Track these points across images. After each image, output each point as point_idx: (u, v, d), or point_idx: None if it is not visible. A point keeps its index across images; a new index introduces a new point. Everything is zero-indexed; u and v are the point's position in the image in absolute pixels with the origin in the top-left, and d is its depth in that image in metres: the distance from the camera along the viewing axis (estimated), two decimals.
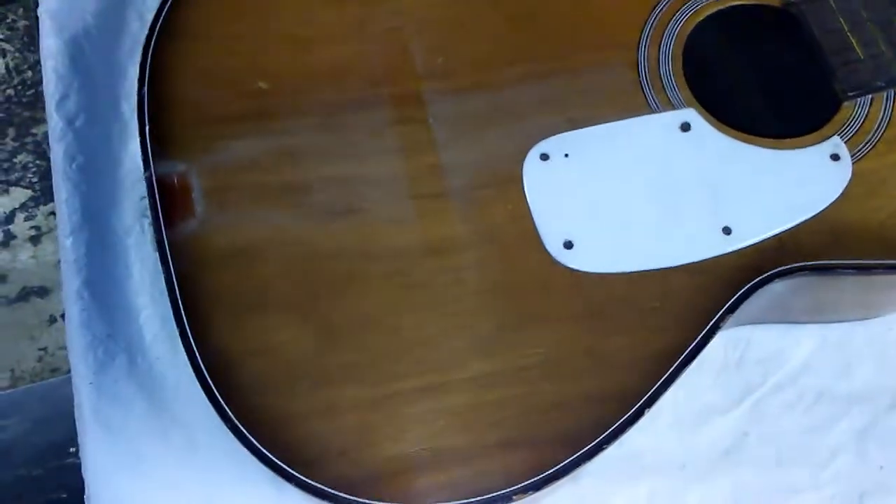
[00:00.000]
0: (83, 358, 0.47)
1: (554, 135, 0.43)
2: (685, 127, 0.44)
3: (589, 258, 0.41)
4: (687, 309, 0.40)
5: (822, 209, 0.42)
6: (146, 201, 0.52)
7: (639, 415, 0.38)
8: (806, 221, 0.42)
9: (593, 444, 0.37)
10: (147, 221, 0.52)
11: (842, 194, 0.42)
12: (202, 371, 0.38)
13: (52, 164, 0.52)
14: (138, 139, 0.44)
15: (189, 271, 0.41)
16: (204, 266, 0.41)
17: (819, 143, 0.43)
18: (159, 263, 0.50)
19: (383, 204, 0.42)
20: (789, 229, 0.42)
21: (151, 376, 0.48)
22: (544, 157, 0.43)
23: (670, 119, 0.44)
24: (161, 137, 0.43)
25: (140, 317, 0.49)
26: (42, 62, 0.54)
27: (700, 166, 0.43)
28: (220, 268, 0.41)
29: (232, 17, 0.46)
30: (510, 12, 0.46)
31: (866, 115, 0.44)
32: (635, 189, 0.42)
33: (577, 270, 0.41)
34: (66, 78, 0.53)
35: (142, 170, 0.52)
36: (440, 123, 0.43)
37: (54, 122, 0.52)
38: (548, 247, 0.41)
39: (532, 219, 0.42)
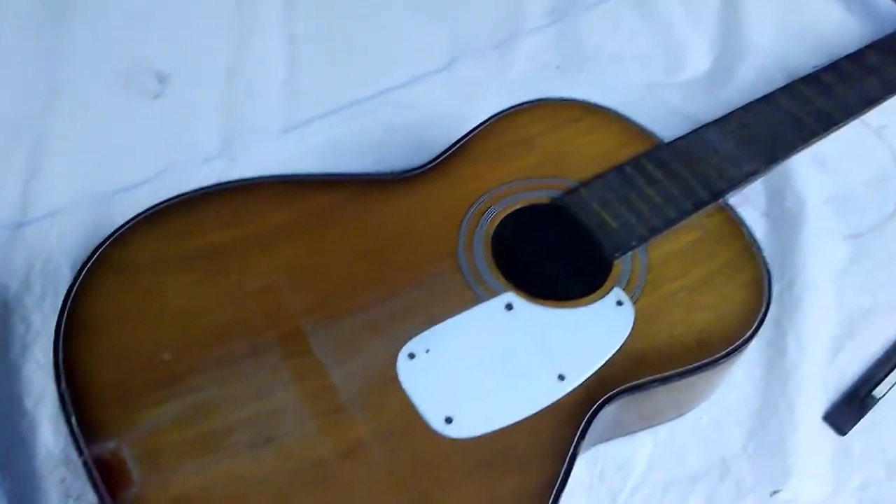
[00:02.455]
0: None
1: (414, 337, 0.54)
2: (509, 307, 0.56)
3: (467, 426, 0.51)
4: (551, 444, 0.51)
5: (622, 344, 0.55)
6: (67, 482, 0.57)
7: None
8: (614, 356, 0.55)
9: None
10: (71, 500, 0.56)
11: (632, 329, 0.56)
12: None
13: None
14: (63, 427, 0.50)
15: None
16: None
17: (605, 295, 0.58)
18: None
19: (295, 427, 0.50)
20: (603, 365, 0.54)
21: None
22: (411, 356, 0.54)
23: (496, 304, 0.56)
24: (87, 422, 0.50)
25: None
26: None
27: (528, 333, 0.55)
28: None
29: (128, 304, 0.54)
30: (356, 250, 0.58)
31: (631, 268, 0.59)
32: (487, 363, 0.54)
33: (461, 438, 0.51)
34: None
35: (55, 455, 0.58)
36: (323, 350, 0.53)
37: None
38: (433, 426, 0.51)
39: (415, 407, 0.52)
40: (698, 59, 0.86)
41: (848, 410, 0.63)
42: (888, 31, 0.81)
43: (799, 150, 0.67)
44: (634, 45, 0.87)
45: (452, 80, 0.82)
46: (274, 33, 0.84)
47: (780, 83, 0.73)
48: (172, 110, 0.78)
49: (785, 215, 0.73)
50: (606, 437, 0.60)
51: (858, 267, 0.71)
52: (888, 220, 0.74)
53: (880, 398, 0.63)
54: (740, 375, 0.65)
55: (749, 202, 0.74)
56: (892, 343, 0.67)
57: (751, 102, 0.69)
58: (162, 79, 0.79)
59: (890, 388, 0.63)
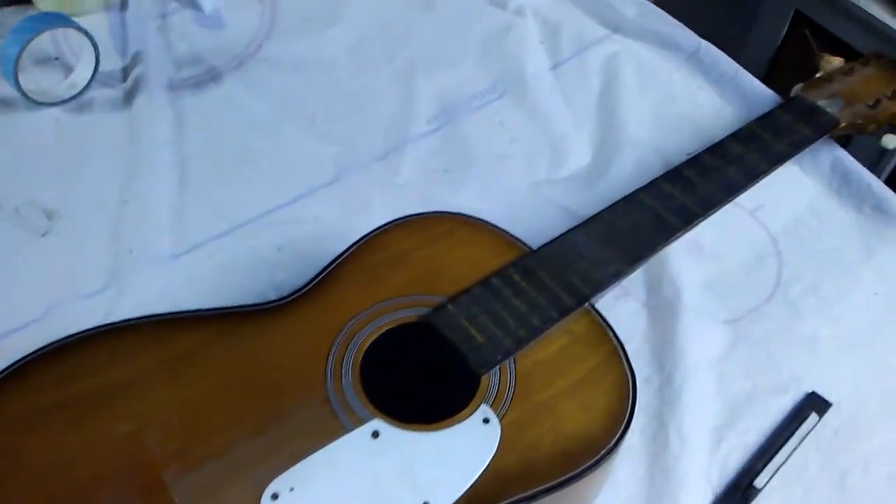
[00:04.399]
0: None
1: (278, 475, 0.54)
2: (375, 434, 0.57)
3: None
4: None
5: (488, 462, 0.56)
6: None
7: None
8: (482, 475, 0.55)
9: None
10: None
11: (499, 446, 0.57)
12: None
13: None
14: None
15: None
16: None
17: (472, 413, 0.58)
18: None
19: None
20: (471, 487, 0.55)
21: None
22: (275, 496, 0.54)
23: (362, 432, 0.57)
24: None
25: None
26: None
27: (395, 461, 0.56)
28: None
29: None
30: (222, 388, 0.58)
31: (499, 381, 0.60)
32: (353, 496, 0.54)
33: None
34: None
35: None
36: (184, 499, 0.53)
37: None
38: None
39: None
40: (579, 155, 0.88)
41: (731, 503, 0.64)
42: (762, 112, 0.84)
43: (662, 248, 0.69)
44: (518, 145, 0.89)
45: (341, 193, 0.84)
46: (163, 158, 0.85)
47: (658, 172, 0.76)
48: (61, 246, 0.78)
49: (663, 305, 0.74)
50: None
51: (738, 352, 0.73)
52: (766, 302, 0.76)
53: (761, 489, 0.64)
54: (625, 474, 0.66)
55: (629, 294, 0.76)
56: (771, 431, 0.68)
57: (616, 202, 0.71)
58: (50, 215, 0.80)
59: (769, 479, 0.64)
